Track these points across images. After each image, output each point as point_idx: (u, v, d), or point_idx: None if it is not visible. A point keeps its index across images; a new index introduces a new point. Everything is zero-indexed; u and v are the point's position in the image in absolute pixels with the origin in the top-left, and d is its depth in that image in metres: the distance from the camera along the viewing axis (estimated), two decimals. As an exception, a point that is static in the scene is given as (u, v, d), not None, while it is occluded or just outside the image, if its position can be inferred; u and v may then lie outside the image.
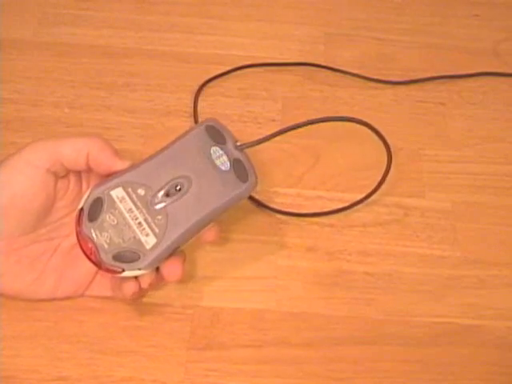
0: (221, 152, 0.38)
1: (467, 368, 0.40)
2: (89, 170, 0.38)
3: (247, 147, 0.39)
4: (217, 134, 0.39)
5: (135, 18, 0.60)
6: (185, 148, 0.38)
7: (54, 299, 0.40)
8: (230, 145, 0.39)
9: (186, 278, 0.43)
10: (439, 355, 0.41)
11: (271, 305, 0.43)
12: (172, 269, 0.38)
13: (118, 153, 0.38)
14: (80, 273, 0.40)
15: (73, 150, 0.37)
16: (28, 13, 0.60)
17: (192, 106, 0.53)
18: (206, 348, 0.40)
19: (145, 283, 0.38)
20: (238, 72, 0.57)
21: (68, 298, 0.40)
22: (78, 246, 0.37)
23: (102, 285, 0.40)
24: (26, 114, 0.52)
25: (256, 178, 0.39)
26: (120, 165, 0.37)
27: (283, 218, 0.47)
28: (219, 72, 0.56)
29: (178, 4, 0.62)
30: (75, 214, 0.37)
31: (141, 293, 0.39)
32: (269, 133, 0.52)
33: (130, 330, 0.41)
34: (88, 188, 0.40)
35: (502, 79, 0.58)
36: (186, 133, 0.39)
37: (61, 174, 0.38)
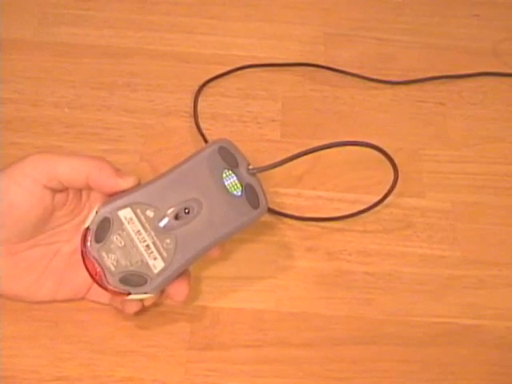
0: (233, 176, 0.37)
1: (467, 368, 0.40)
2: (89, 188, 0.38)
3: (259, 171, 0.38)
4: (229, 157, 0.37)
5: (136, 18, 0.60)
6: (196, 169, 0.37)
7: (53, 301, 0.40)
8: (242, 168, 0.37)
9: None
10: (439, 355, 0.41)
11: (271, 305, 0.43)
12: (178, 290, 0.38)
13: (119, 172, 0.37)
14: (79, 278, 0.39)
15: (71, 170, 0.36)
16: (28, 13, 0.60)
17: (192, 105, 0.53)
18: (206, 348, 0.40)
19: (148, 303, 0.38)
20: (238, 72, 0.57)
21: (68, 301, 0.40)
22: (78, 251, 0.37)
23: (101, 291, 0.40)
24: (25, 114, 0.52)
25: (267, 203, 0.38)
26: (123, 184, 0.36)
27: (283, 218, 0.47)
28: (219, 72, 0.56)
29: (178, 4, 0.62)
30: (81, 232, 0.36)
31: (142, 310, 0.39)
32: (269, 133, 0.52)
33: (129, 330, 0.41)
34: (88, 199, 0.39)
35: (502, 79, 0.58)
36: (198, 152, 0.37)
37: (58, 189, 0.37)
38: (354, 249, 0.46)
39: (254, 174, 0.38)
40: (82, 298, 0.41)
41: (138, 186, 0.37)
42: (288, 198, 0.48)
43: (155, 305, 0.41)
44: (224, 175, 0.37)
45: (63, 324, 0.40)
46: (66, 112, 0.52)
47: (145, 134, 0.51)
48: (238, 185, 0.37)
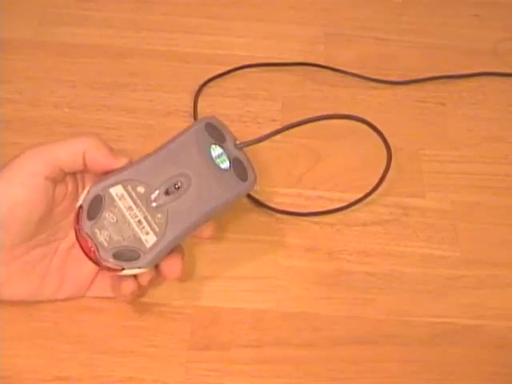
0: (220, 150, 0.38)
1: (467, 368, 0.40)
2: (85, 169, 0.38)
3: (246, 146, 0.39)
4: (216, 132, 0.38)
5: (135, 17, 0.60)
6: (184, 146, 0.38)
7: (55, 300, 0.40)
8: (229, 143, 0.38)
9: (186, 278, 0.43)
10: (439, 355, 0.41)
11: (271, 305, 0.43)
12: (172, 266, 0.38)
13: (113, 151, 0.38)
14: (81, 273, 0.40)
15: (69, 153, 0.37)
16: (28, 13, 0.60)
17: (192, 106, 0.53)
18: (206, 348, 0.40)
19: (144, 281, 0.38)
20: (238, 72, 0.57)
21: (69, 298, 0.40)
22: (76, 247, 0.37)
23: (103, 285, 0.40)
24: (25, 114, 0.52)
25: (255, 176, 0.39)
26: (116, 164, 0.37)
27: (283, 217, 0.47)
28: (219, 72, 0.56)
29: (178, 4, 0.62)
30: (74, 211, 0.37)
31: (140, 291, 0.39)
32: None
33: (129, 330, 0.41)
34: (84, 189, 0.39)
35: (502, 79, 0.58)
36: (186, 130, 0.38)
37: (59, 178, 0.37)
38: (354, 249, 0.46)
39: (241, 149, 0.39)
40: (83, 296, 0.41)
41: (129, 164, 0.38)
42: (288, 197, 0.48)
43: (156, 305, 0.42)
44: (212, 150, 0.38)
45: (63, 324, 0.40)
46: (66, 112, 0.52)
47: (145, 134, 0.51)
48: (226, 159, 0.38)
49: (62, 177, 0.37)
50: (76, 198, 0.39)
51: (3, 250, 0.36)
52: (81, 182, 0.40)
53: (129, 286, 0.38)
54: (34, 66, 0.55)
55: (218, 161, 0.38)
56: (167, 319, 0.41)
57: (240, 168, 0.38)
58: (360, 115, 0.54)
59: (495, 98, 0.56)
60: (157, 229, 0.36)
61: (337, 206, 0.47)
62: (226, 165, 0.38)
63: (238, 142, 0.39)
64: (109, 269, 0.36)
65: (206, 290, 0.43)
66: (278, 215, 0.47)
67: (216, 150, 0.38)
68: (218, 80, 0.56)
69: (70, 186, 0.38)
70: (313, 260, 0.45)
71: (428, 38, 0.61)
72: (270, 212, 0.47)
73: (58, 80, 0.54)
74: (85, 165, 0.37)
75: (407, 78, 0.57)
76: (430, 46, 0.60)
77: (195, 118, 0.52)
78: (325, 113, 0.54)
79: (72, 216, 0.39)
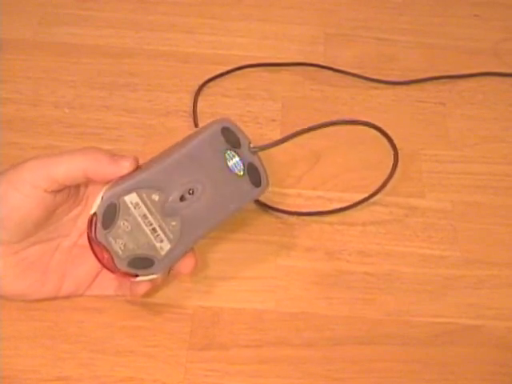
0: (235, 156, 0.37)
1: (467, 368, 0.40)
2: (89, 181, 0.38)
3: (261, 150, 0.38)
4: (232, 136, 0.38)
5: (135, 18, 0.60)
6: (199, 150, 0.37)
7: (55, 298, 0.40)
8: (244, 148, 0.38)
9: (186, 278, 0.43)
10: (439, 355, 0.41)
11: (271, 305, 0.43)
12: (185, 263, 0.38)
13: (115, 158, 0.37)
14: (81, 272, 0.40)
15: (69, 170, 0.36)
16: (28, 13, 0.60)
17: (192, 105, 0.53)
18: (206, 348, 0.40)
19: (157, 282, 0.38)
20: (238, 72, 0.57)
21: (69, 296, 0.40)
22: (77, 245, 0.37)
23: (104, 284, 0.40)
24: (26, 114, 0.52)
25: (268, 181, 0.38)
26: (121, 170, 0.36)
27: (283, 217, 0.47)
28: (219, 72, 0.56)
29: (178, 4, 0.62)
30: (87, 218, 0.36)
31: (152, 290, 0.40)
32: (269, 133, 0.52)
33: (129, 330, 0.41)
34: (85, 191, 0.39)
35: (502, 79, 0.58)
36: (201, 132, 0.38)
37: (59, 190, 0.37)
38: (354, 249, 0.46)
39: (255, 153, 0.38)
40: (82, 295, 0.41)
41: (141, 167, 0.37)
42: (288, 197, 0.48)
43: (156, 305, 0.42)
44: (227, 155, 0.37)
45: (63, 324, 0.40)
46: (66, 112, 0.52)
47: (145, 134, 0.51)
48: (241, 164, 0.38)
49: (62, 188, 0.37)
50: (78, 197, 0.39)
51: (0, 245, 0.36)
52: (83, 184, 0.39)
53: (142, 289, 0.38)
54: (34, 65, 0.55)
55: (232, 166, 0.37)
56: (167, 319, 0.41)
57: (254, 174, 0.38)
58: (360, 116, 0.54)
59: (495, 97, 0.56)
60: (171, 236, 0.36)
61: (337, 205, 0.47)
62: (240, 170, 0.37)
63: (252, 146, 0.38)
64: (123, 275, 0.36)
65: (205, 290, 0.43)
66: (278, 215, 0.47)
67: (231, 156, 0.37)
68: (218, 80, 0.56)
69: (72, 189, 0.38)
70: (312, 260, 0.45)
71: (428, 38, 0.61)
72: (269, 212, 0.47)
73: (57, 80, 0.55)
74: (87, 178, 0.37)
75: (407, 78, 0.57)
76: (430, 46, 0.60)
77: (195, 117, 0.52)
78: (325, 113, 0.54)
79: (73, 213, 0.39)
